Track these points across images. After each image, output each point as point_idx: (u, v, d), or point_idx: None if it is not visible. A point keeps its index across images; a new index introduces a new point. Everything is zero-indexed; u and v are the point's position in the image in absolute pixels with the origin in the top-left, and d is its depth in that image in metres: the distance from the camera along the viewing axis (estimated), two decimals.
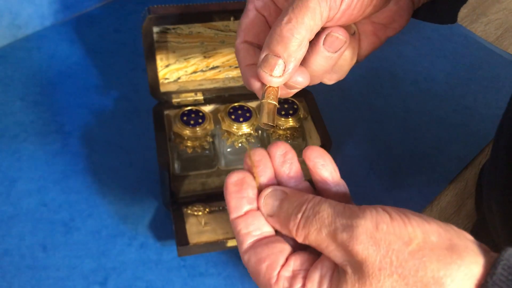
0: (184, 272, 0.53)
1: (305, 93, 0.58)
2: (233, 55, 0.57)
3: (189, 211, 0.54)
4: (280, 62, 0.32)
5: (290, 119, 0.55)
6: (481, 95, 0.75)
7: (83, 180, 0.59)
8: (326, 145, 0.53)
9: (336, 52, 0.34)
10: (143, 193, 0.58)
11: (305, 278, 0.28)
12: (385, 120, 0.70)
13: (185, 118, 0.54)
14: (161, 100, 0.56)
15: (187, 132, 0.54)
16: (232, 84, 0.58)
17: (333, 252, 0.27)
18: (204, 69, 0.57)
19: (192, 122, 0.54)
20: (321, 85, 0.66)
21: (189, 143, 0.55)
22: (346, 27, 0.35)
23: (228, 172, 0.57)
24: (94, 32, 0.74)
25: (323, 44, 0.34)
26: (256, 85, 0.34)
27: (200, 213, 0.54)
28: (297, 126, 0.56)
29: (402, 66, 0.77)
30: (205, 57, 0.56)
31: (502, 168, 0.49)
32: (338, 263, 0.28)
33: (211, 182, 0.56)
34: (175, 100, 0.56)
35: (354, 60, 0.39)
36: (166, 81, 0.57)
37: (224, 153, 0.56)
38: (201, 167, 0.56)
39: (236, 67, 0.58)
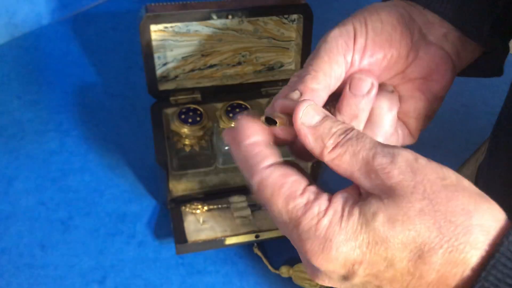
0: (183, 270, 0.53)
1: None
2: (231, 53, 0.57)
3: (187, 209, 0.54)
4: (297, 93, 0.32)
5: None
6: (478, 92, 0.75)
7: (81, 179, 0.59)
8: None
9: (363, 95, 0.34)
10: (141, 192, 0.58)
11: (329, 201, 0.27)
12: None
13: (183, 116, 0.54)
14: (159, 99, 0.56)
15: (185, 130, 0.54)
16: (229, 82, 0.58)
17: (361, 177, 0.27)
18: (201, 68, 0.57)
19: (190, 120, 0.54)
20: None
21: (187, 141, 0.55)
22: (381, 85, 0.36)
23: (226, 170, 0.57)
24: (91, 31, 0.74)
25: (349, 88, 0.34)
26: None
27: (198, 211, 0.54)
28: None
29: None
30: (202, 55, 0.56)
31: (502, 165, 0.50)
32: (364, 189, 0.28)
33: (209, 180, 0.57)
34: (172, 99, 0.56)
35: (394, 113, 0.37)
36: (164, 79, 0.57)
37: (222, 151, 0.56)
38: (199, 165, 0.57)
39: (233, 66, 0.58)
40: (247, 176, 0.30)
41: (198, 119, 0.54)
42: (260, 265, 0.53)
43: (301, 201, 0.27)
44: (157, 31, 0.53)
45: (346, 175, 0.28)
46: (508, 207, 0.47)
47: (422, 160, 0.27)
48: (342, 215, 0.27)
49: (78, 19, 0.75)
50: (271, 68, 0.59)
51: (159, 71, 0.55)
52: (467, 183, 0.27)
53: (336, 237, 0.26)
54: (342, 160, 0.28)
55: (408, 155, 0.27)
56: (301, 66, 0.58)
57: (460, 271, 0.25)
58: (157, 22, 0.51)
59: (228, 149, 0.56)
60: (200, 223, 0.53)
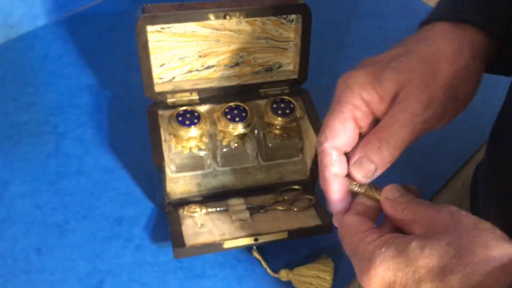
0: (181, 274, 0.52)
1: (301, 92, 0.58)
2: (229, 54, 0.56)
3: (185, 212, 0.53)
4: (373, 167, 0.38)
5: (287, 118, 0.55)
6: (478, 92, 0.74)
7: (77, 182, 0.58)
8: None
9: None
10: (138, 195, 0.58)
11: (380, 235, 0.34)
12: None
13: (180, 118, 0.54)
14: (155, 100, 0.55)
15: (182, 132, 0.53)
16: (227, 83, 0.57)
17: (415, 228, 0.34)
18: (199, 69, 0.56)
19: (187, 122, 0.53)
20: (316, 83, 0.66)
21: (184, 144, 0.54)
22: None
23: (224, 172, 0.57)
24: (88, 32, 0.73)
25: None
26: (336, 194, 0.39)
27: (196, 214, 0.53)
28: (294, 126, 0.56)
29: None
30: (200, 56, 0.55)
31: (501, 166, 0.49)
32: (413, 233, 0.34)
33: (207, 183, 0.56)
34: (170, 100, 0.55)
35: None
36: (161, 81, 0.56)
37: (220, 154, 0.56)
38: (197, 168, 0.56)
39: (231, 66, 0.57)
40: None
41: (195, 121, 0.54)
42: (259, 269, 0.53)
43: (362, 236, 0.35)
44: (153, 32, 0.52)
45: (406, 226, 0.35)
46: (508, 207, 0.46)
47: (463, 211, 0.33)
48: (385, 243, 0.33)
49: (74, 20, 0.74)
50: (269, 69, 0.59)
51: (156, 73, 0.55)
52: (499, 232, 0.31)
53: (376, 259, 0.32)
54: (407, 214, 0.35)
55: (452, 207, 0.34)
56: (300, 67, 0.57)
57: None
58: (153, 22, 0.50)
59: (226, 151, 0.55)
60: (198, 227, 0.52)
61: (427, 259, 0.31)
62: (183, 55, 0.55)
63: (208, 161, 0.56)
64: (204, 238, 0.51)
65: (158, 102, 0.55)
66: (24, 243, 0.53)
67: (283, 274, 0.52)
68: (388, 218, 0.38)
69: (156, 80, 0.55)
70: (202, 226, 0.52)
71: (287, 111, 0.55)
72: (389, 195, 0.38)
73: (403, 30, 0.81)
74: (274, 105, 0.55)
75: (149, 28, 0.51)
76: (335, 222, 0.39)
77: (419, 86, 0.37)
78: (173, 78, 0.56)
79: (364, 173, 0.38)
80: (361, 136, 0.39)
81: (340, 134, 0.38)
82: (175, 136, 0.54)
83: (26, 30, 0.72)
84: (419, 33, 0.41)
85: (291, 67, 0.59)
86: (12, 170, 0.58)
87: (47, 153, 0.60)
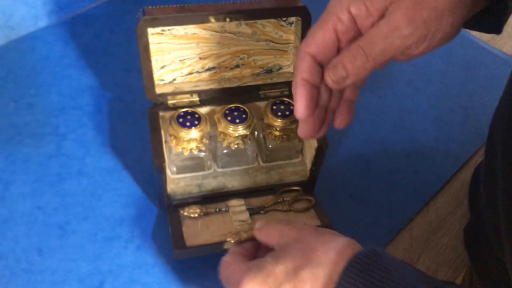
0: (181, 275, 0.53)
1: None
2: (229, 56, 0.56)
3: (185, 213, 0.54)
4: (344, 74, 0.39)
5: (287, 120, 0.55)
6: (476, 94, 0.75)
7: (78, 183, 0.58)
8: (322, 146, 0.53)
9: None
10: (139, 195, 0.58)
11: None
12: (381, 120, 0.70)
13: (181, 120, 0.54)
14: (156, 102, 0.55)
15: (183, 134, 0.54)
16: (228, 85, 0.57)
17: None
18: (199, 70, 0.57)
19: (188, 124, 0.54)
20: None
21: (185, 145, 0.54)
22: None
23: (224, 174, 0.57)
24: (89, 33, 0.74)
25: None
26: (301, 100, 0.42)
27: (196, 215, 0.54)
28: (294, 127, 0.56)
29: (398, 65, 0.77)
30: (200, 58, 0.56)
31: (498, 168, 0.49)
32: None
33: (208, 184, 0.56)
34: (170, 102, 0.55)
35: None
36: (162, 82, 0.56)
37: (220, 155, 0.56)
38: (198, 169, 0.56)
39: (231, 68, 0.57)
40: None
41: (196, 122, 0.54)
42: None
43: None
44: (154, 34, 0.52)
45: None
46: (508, 207, 0.46)
47: (308, 225, 0.42)
48: (250, 268, 0.39)
49: (75, 22, 0.75)
50: (269, 71, 0.59)
51: (156, 74, 0.55)
52: (335, 231, 0.40)
53: (243, 281, 0.38)
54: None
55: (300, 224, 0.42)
56: None
57: (324, 282, 0.36)
58: (154, 25, 0.51)
59: (226, 152, 0.56)
60: (198, 227, 0.53)
61: (282, 265, 0.37)
62: (184, 57, 0.55)
63: (208, 162, 0.56)
64: (204, 239, 0.52)
65: (159, 103, 0.55)
66: (25, 244, 0.53)
67: None
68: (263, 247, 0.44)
69: (157, 81, 0.55)
70: (202, 227, 0.53)
71: (287, 112, 0.55)
72: (258, 225, 0.43)
73: None
74: (274, 107, 0.56)
75: (150, 30, 0.51)
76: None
77: (406, 3, 0.38)
78: (174, 79, 0.56)
79: (335, 77, 0.40)
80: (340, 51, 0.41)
81: (318, 42, 0.40)
82: (176, 137, 0.54)
83: (28, 32, 0.72)
84: None
85: (291, 69, 0.59)
86: (13, 171, 0.58)
87: (48, 154, 0.60)
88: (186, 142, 0.54)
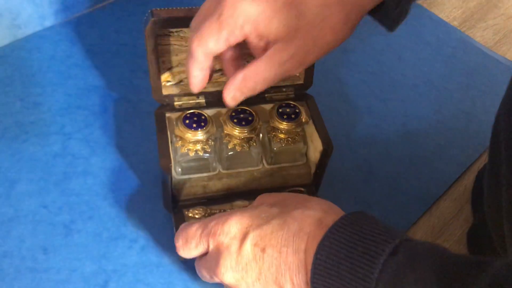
0: (186, 275, 0.53)
1: (306, 97, 0.58)
2: None
3: (190, 214, 0.54)
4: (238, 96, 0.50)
5: (292, 123, 0.55)
6: (479, 100, 0.75)
7: (84, 182, 0.58)
8: (327, 150, 0.54)
9: None
10: (144, 196, 0.58)
11: None
12: (385, 124, 0.70)
13: (187, 121, 0.54)
14: (163, 103, 0.56)
15: (189, 135, 0.54)
16: None
17: None
18: None
19: (194, 125, 0.54)
20: (321, 88, 0.67)
21: (190, 146, 0.55)
22: None
23: (229, 175, 0.57)
24: (95, 33, 0.74)
25: None
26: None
27: (201, 216, 0.54)
28: (299, 130, 0.56)
29: (401, 70, 0.77)
30: None
31: (501, 172, 0.50)
32: None
33: (213, 185, 0.57)
34: (177, 103, 0.56)
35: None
36: (168, 83, 0.56)
37: (226, 157, 0.56)
38: (203, 170, 0.57)
39: None
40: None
41: (202, 124, 0.54)
42: None
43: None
44: (162, 36, 0.53)
45: None
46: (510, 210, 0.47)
47: None
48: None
49: (81, 21, 0.75)
50: None
51: (163, 76, 0.55)
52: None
53: (230, 214, 0.45)
54: None
55: None
56: (305, 72, 0.58)
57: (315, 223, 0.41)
58: (163, 26, 0.51)
59: (231, 154, 0.56)
60: None
61: (276, 208, 0.43)
62: None
63: (214, 164, 0.57)
64: None
65: (165, 104, 0.56)
66: (30, 242, 0.53)
67: None
68: None
69: (163, 83, 0.56)
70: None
71: (293, 115, 0.56)
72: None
73: (406, 35, 0.82)
74: (280, 110, 0.56)
75: (158, 32, 0.51)
76: None
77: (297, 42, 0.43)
78: (181, 81, 0.57)
79: (229, 98, 0.49)
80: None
81: (211, 47, 0.45)
82: (182, 138, 0.54)
83: (34, 31, 0.72)
84: None
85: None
86: (19, 170, 0.59)
87: (54, 153, 0.60)
88: (192, 143, 0.55)
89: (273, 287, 0.40)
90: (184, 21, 0.51)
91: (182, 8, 0.52)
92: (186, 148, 0.54)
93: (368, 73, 0.76)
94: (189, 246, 0.46)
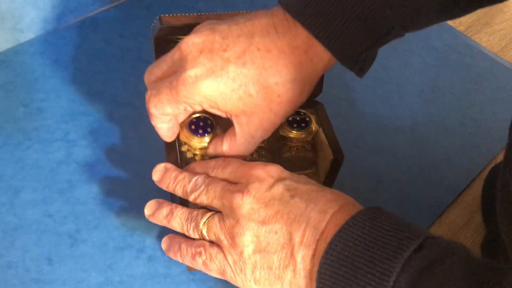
0: (193, 286, 0.52)
1: (315, 105, 0.58)
2: None
3: None
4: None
5: (302, 132, 0.54)
6: (487, 106, 0.75)
7: (89, 191, 0.57)
8: (338, 159, 0.53)
9: None
10: None
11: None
12: (393, 131, 0.69)
13: (193, 127, 0.53)
14: None
15: (195, 141, 0.53)
16: None
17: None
18: None
19: (200, 131, 0.53)
20: (328, 94, 0.66)
21: (197, 152, 0.54)
22: None
23: None
24: (98, 37, 0.73)
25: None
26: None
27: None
28: (309, 139, 0.55)
29: (408, 76, 0.77)
30: None
31: None
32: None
33: None
34: None
35: None
36: None
37: None
38: None
39: None
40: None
41: (209, 130, 0.53)
42: None
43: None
44: (170, 43, 0.52)
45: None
46: None
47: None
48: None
49: (84, 25, 0.74)
50: None
51: None
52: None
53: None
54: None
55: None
56: None
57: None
58: (171, 33, 0.50)
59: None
60: None
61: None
62: None
63: None
64: None
65: None
66: (35, 252, 0.52)
67: None
68: None
69: None
70: None
71: (303, 124, 0.55)
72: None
73: (413, 41, 0.81)
74: (290, 118, 0.55)
75: (166, 38, 0.51)
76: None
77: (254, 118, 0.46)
78: None
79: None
80: None
81: (168, 109, 0.47)
82: (188, 144, 0.53)
83: (37, 35, 0.71)
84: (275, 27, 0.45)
85: None
86: (23, 178, 0.57)
87: (58, 161, 0.59)
88: (199, 149, 0.54)
89: (283, 230, 0.40)
90: (193, 28, 0.50)
91: (191, 14, 0.51)
92: (192, 154, 0.54)
93: (375, 79, 0.75)
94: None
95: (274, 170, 0.44)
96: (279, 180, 0.43)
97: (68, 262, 0.52)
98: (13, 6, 0.67)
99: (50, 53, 0.70)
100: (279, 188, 0.42)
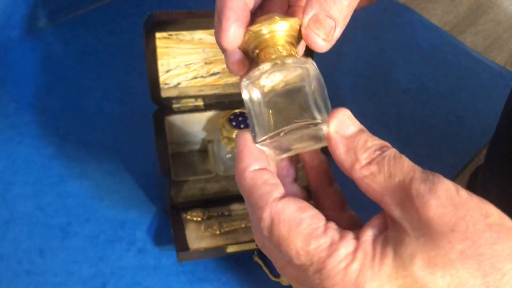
0: (183, 278, 0.53)
1: None
2: None
3: (188, 217, 0.54)
4: (333, 24, 0.29)
5: None
6: (470, 104, 0.77)
7: (80, 185, 0.58)
8: (325, 155, 0.54)
9: None
10: (140, 198, 0.58)
11: (356, 239, 0.25)
12: (378, 128, 0.71)
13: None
14: (161, 106, 0.56)
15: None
16: (232, 90, 0.58)
17: (393, 203, 0.25)
18: (204, 75, 0.57)
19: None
20: None
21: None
22: None
23: (227, 178, 0.57)
24: (89, 34, 0.73)
25: None
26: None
27: (199, 218, 0.54)
28: None
29: (394, 74, 0.78)
30: (206, 63, 0.56)
31: (497, 175, 0.51)
32: (393, 218, 0.25)
33: (210, 188, 0.57)
34: (175, 106, 0.56)
35: None
36: (166, 86, 0.56)
37: (223, 159, 0.57)
38: (200, 173, 0.57)
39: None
40: (253, 209, 0.26)
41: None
42: (260, 273, 0.54)
43: (325, 240, 0.25)
44: (161, 38, 0.53)
45: (376, 198, 0.26)
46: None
47: (464, 193, 0.24)
48: (373, 258, 0.24)
49: (75, 22, 0.74)
50: None
51: (161, 78, 0.55)
52: (510, 223, 0.23)
53: (368, 284, 0.23)
54: (375, 180, 0.26)
55: (450, 185, 0.24)
56: None
57: None
58: (162, 30, 0.51)
59: (230, 156, 0.56)
60: (201, 231, 0.53)
61: (441, 280, 0.23)
62: (189, 62, 0.56)
63: (215, 166, 0.57)
64: (207, 242, 0.52)
65: (164, 107, 0.56)
66: (27, 245, 0.53)
67: (284, 279, 0.53)
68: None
69: (161, 85, 0.56)
70: (205, 230, 0.53)
71: None
72: (340, 129, 0.28)
73: (399, 40, 0.83)
74: None
75: (157, 34, 0.52)
76: (263, 210, 0.27)
77: None
78: (178, 84, 0.57)
79: (325, 30, 0.29)
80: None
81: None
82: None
83: (28, 32, 0.72)
84: None
85: None
86: (14, 172, 0.58)
87: (49, 155, 0.60)
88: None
89: None
90: (184, 24, 0.52)
91: (182, 11, 0.52)
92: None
93: (362, 77, 0.76)
94: None
95: None
96: None
97: (59, 254, 0.53)
98: (5, 3, 0.68)
99: (41, 50, 0.70)
100: None
